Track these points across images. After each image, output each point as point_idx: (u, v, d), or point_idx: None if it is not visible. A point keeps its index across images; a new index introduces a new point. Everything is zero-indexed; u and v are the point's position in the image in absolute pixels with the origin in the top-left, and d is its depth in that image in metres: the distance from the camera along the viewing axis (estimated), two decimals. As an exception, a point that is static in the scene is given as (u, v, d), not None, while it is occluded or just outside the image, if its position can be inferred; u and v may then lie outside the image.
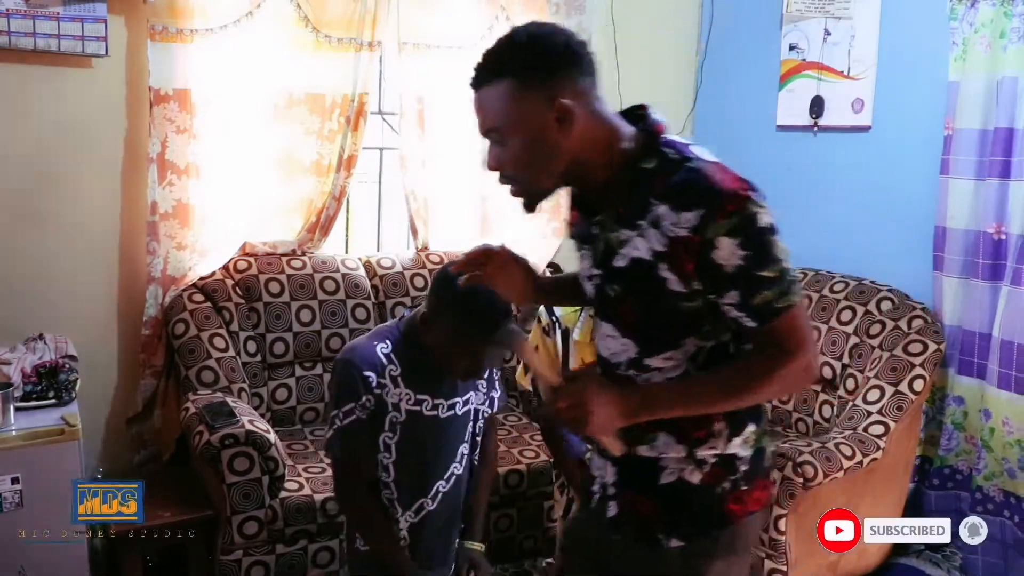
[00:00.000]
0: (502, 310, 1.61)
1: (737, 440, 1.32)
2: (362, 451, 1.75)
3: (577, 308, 2.02)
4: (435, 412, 1.77)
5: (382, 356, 1.72)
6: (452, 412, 1.79)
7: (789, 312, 1.20)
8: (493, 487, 2.03)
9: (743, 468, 1.32)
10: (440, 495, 1.81)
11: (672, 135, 1.28)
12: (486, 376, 1.88)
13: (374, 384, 1.70)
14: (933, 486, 3.00)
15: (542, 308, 2.09)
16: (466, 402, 1.82)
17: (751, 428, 1.33)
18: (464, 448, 1.85)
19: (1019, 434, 2.72)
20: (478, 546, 1.91)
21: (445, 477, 1.81)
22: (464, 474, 1.86)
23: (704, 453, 1.31)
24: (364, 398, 1.70)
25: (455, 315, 1.64)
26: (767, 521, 2.43)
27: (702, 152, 1.25)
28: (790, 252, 1.21)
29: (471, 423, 1.86)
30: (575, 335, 2.01)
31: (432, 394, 1.76)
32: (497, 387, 1.95)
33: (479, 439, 1.91)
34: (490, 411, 1.93)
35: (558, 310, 2.05)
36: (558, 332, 2.03)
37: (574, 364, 2.02)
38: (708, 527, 1.32)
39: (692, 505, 1.32)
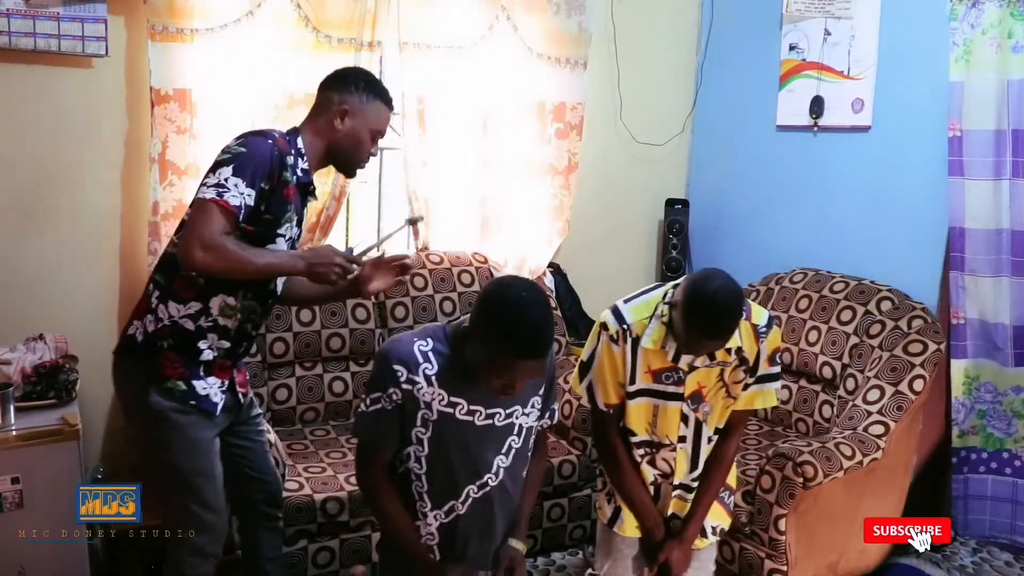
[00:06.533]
0: (542, 332, 1.62)
1: None
2: (382, 439, 1.76)
3: (647, 315, 1.95)
4: (470, 417, 1.75)
5: (419, 353, 1.71)
6: (490, 422, 1.77)
7: None
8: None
9: None
10: (471, 500, 1.80)
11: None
12: (542, 392, 1.85)
13: (403, 379, 1.70)
14: (991, 470, 3.01)
15: (610, 314, 1.99)
16: (509, 415, 1.79)
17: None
18: (501, 460, 1.80)
19: None
20: (520, 545, 1.90)
21: (477, 484, 1.79)
22: (500, 487, 1.82)
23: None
24: (391, 390, 1.71)
25: (494, 335, 1.62)
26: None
27: None
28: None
29: (516, 436, 1.82)
30: (645, 342, 1.94)
31: (468, 399, 1.74)
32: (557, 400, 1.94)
33: (529, 453, 1.87)
34: (550, 422, 1.92)
35: (627, 316, 1.96)
36: (629, 340, 1.96)
37: (641, 371, 1.97)
38: None
39: None
